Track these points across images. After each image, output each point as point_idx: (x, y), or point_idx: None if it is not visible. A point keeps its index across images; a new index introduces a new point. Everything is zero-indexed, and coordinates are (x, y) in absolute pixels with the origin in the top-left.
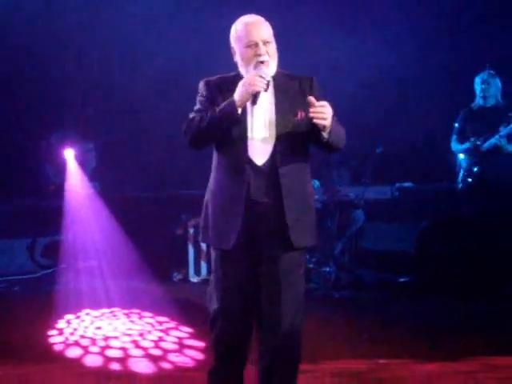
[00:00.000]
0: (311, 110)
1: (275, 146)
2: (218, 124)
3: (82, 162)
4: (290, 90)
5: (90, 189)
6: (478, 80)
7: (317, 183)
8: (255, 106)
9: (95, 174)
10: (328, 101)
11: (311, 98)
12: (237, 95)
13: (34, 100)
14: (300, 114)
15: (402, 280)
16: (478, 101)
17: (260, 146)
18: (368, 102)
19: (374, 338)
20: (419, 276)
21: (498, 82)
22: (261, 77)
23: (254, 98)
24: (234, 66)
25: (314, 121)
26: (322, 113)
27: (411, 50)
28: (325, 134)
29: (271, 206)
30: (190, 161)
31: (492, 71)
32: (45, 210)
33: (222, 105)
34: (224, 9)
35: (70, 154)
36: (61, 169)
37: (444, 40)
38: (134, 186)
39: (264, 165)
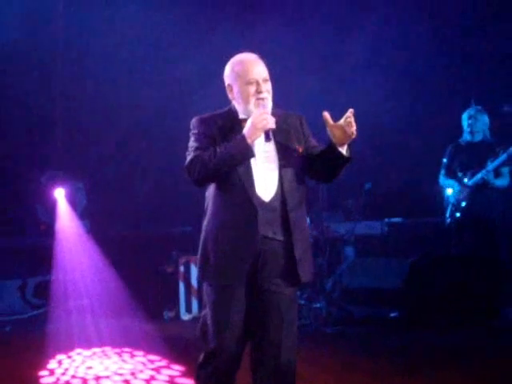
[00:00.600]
0: (348, 115)
1: (280, 181)
2: (231, 162)
3: (72, 201)
4: (285, 126)
5: (81, 228)
6: (465, 115)
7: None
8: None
9: (85, 212)
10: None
11: (326, 114)
12: (248, 133)
13: (23, 140)
14: (299, 149)
15: (392, 315)
16: (466, 136)
17: (265, 181)
18: (356, 138)
19: (364, 372)
20: (409, 311)
21: (485, 118)
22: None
23: (267, 134)
24: (225, 102)
25: (348, 129)
26: (353, 120)
27: (400, 86)
28: (344, 151)
29: (280, 241)
30: (180, 198)
31: (479, 107)
32: (35, 249)
33: (232, 143)
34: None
35: (60, 194)
36: (51, 208)
37: (433, 73)
38: (124, 224)
39: (272, 200)
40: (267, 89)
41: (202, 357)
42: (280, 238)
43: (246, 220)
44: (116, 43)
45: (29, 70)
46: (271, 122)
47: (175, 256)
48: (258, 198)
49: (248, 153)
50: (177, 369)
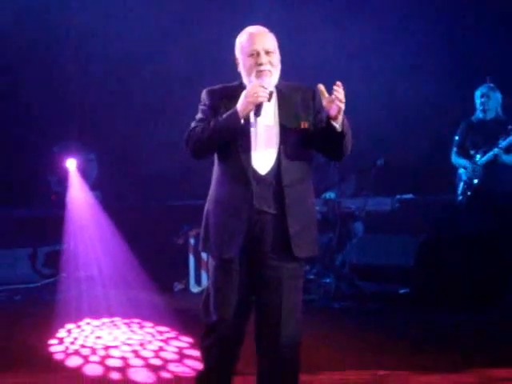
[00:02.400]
0: (335, 88)
1: (278, 156)
2: (221, 134)
3: (84, 172)
4: (293, 101)
5: (92, 198)
6: (477, 93)
7: (332, 195)
8: (258, 117)
9: (97, 183)
10: None
11: (321, 86)
12: (239, 106)
13: (36, 110)
14: (303, 124)
15: (401, 291)
16: (478, 114)
17: (263, 156)
18: (369, 114)
19: (373, 349)
20: (419, 288)
21: (498, 96)
22: (263, 87)
23: (257, 108)
24: (238, 76)
25: (335, 102)
26: (340, 93)
27: (415, 63)
28: (337, 125)
29: (274, 216)
30: (192, 171)
31: (492, 84)
32: (46, 219)
33: (225, 115)
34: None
35: (71, 164)
36: (62, 179)
37: (445, 51)
38: (135, 195)
39: (267, 174)
40: (269, 60)
41: (204, 329)
42: (274, 211)
43: (240, 193)
44: (129, 19)
45: (43, 43)
46: (263, 96)
47: (186, 228)
48: (254, 172)
49: (237, 126)
50: (185, 340)
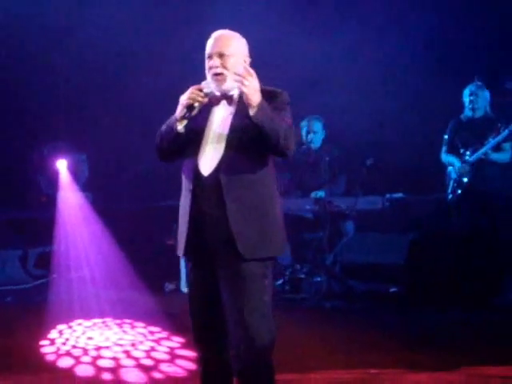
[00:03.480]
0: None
1: (222, 158)
2: (165, 137)
3: (75, 173)
4: (237, 109)
5: (83, 199)
6: (466, 92)
7: (322, 194)
8: (212, 119)
9: (87, 184)
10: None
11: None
12: (177, 109)
13: (26, 111)
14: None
15: (392, 290)
16: (467, 112)
17: (209, 157)
18: (359, 114)
19: (364, 347)
20: (409, 286)
21: (486, 94)
22: (200, 90)
23: (188, 110)
24: None
25: (239, 87)
26: (245, 79)
27: (404, 62)
28: (251, 111)
29: (216, 217)
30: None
31: (480, 83)
32: (37, 220)
33: (169, 119)
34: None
35: (62, 165)
36: (53, 180)
37: (433, 50)
38: (125, 196)
39: (209, 175)
40: (222, 63)
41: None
42: (215, 212)
43: (187, 194)
44: (120, 16)
45: (32, 43)
46: (192, 98)
47: (176, 229)
48: (199, 173)
49: (173, 128)
50: (177, 340)
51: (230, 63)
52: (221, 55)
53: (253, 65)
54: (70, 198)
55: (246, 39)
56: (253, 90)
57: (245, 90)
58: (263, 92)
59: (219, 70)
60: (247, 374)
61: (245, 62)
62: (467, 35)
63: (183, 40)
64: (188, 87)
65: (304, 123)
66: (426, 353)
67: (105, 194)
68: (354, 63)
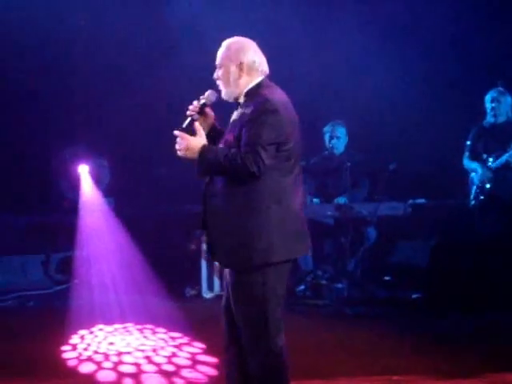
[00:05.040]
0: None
1: None
2: None
3: (96, 178)
4: (239, 116)
5: (105, 204)
6: (488, 98)
7: (344, 200)
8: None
9: (109, 189)
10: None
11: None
12: None
13: (48, 115)
14: (229, 139)
15: (414, 296)
16: (489, 118)
17: None
18: (382, 118)
19: (385, 353)
20: (431, 292)
21: (508, 99)
22: (198, 101)
23: (189, 123)
24: None
25: None
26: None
27: (427, 69)
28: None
29: (205, 226)
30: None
31: (502, 89)
32: (59, 225)
33: None
34: None
35: (84, 170)
36: (74, 184)
37: (455, 56)
38: (148, 201)
39: (205, 184)
40: (217, 74)
41: None
42: (205, 221)
43: None
44: (136, 18)
45: (51, 47)
46: (190, 110)
47: (198, 234)
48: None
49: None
50: (198, 346)
51: (221, 74)
52: (217, 66)
53: (271, 71)
54: (92, 203)
55: (262, 43)
56: (183, 153)
57: (179, 153)
58: (248, 103)
59: (217, 82)
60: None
61: (240, 66)
62: (490, 40)
63: (207, 42)
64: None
65: (327, 128)
66: (448, 359)
67: (126, 199)
68: (376, 67)
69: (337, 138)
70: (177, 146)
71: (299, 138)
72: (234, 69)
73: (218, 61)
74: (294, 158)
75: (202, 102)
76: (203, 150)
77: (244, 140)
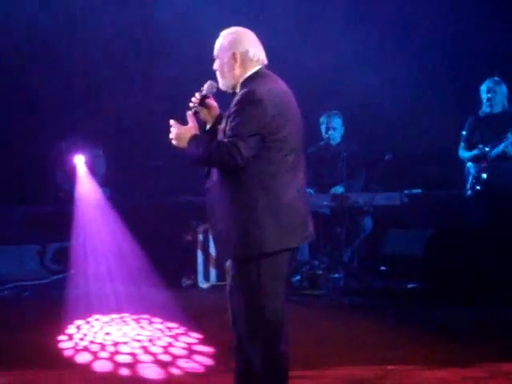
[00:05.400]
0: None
1: None
2: None
3: (92, 168)
4: (231, 106)
5: (100, 194)
6: (483, 88)
7: (341, 190)
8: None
9: (105, 179)
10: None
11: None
12: None
13: (44, 106)
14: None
15: (410, 286)
16: (485, 108)
17: None
18: (377, 110)
19: (382, 344)
20: (427, 282)
21: (503, 89)
22: (200, 92)
23: (194, 114)
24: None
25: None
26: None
27: (422, 60)
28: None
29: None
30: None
31: (498, 78)
32: (55, 215)
33: None
34: None
35: (80, 160)
36: (70, 175)
37: (451, 45)
38: (143, 191)
39: (204, 176)
40: (216, 65)
41: None
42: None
43: None
44: (136, 14)
45: (51, 40)
46: (193, 102)
47: (194, 225)
48: None
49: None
50: (194, 336)
51: (218, 64)
52: (214, 57)
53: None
54: (88, 194)
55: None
56: (175, 141)
57: (173, 142)
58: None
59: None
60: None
61: (233, 56)
62: (487, 31)
63: (204, 35)
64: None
65: (323, 119)
66: (444, 349)
67: (122, 189)
68: (374, 60)
69: (333, 129)
70: (170, 135)
71: (297, 130)
72: (228, 59)
73: (214, 51)
74: (287, 149)
75: (203, 93)
76: (190, 140)
77: (227, 132)
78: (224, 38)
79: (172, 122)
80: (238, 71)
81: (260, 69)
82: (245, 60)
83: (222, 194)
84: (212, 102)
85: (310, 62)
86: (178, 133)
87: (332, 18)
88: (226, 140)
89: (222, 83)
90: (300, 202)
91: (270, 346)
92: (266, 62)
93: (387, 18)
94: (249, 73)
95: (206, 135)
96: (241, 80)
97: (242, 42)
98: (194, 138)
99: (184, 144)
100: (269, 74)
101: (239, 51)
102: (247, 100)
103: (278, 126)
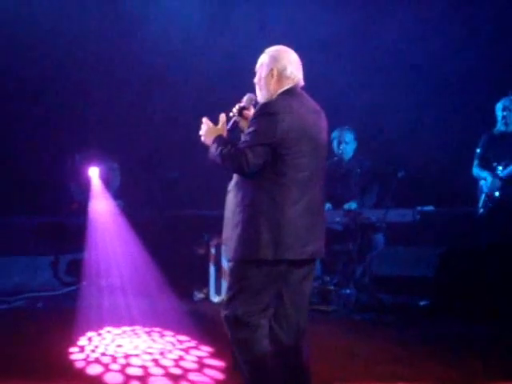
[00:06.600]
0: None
1: None
2: None
3: (106, 181)
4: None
5: (114, 207)
6: (499, 106)
7: (353, 206)
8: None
9: (119, 192)
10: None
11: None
12: None
13: (59, 118)
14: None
15: (422, 303)
16: (500, 126)
17: None
18: (391, 127)
19: (393, 360)
20: (439, 300)
21: None
22: (239, 103)
23: (232, 123)
24: None
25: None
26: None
27: (437, 75)
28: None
29: None
30: (214, 180)
31: None
32: (68, 227)
33: None
34: None
35: (94, 173)
36: (84, 187)
37: (465, 63)
38: (157, 205)
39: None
40: (256, 79)
41: None
42: None
43: None
44: (150, 22)
45: (67, 52)
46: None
47: (206, 238)
48: None
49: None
50: (205, 350)
51: (257, 78)
52: (256, 71)
53: None
54: (102, 206)
55: None
56: (203, 138)
57: (202, 138)
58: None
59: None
60: None
61: (271, 72)
62: (500, 49)
63: (216, 47)
64: (224, 92)
65: (335, 134)
66: (456, 367)
67: (136, 202)
68: (385, 74)
69: (345, 143)
70: (200, 132)
71: (314, 149)
72: (266, 74)
73: (257, 66)
74: (300, 165)
75: (242, 105)
76: (214, 139)
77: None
78: (266, 54)
79: (204, 119)
80: (273, 86)
81: (292, 87)
82: (281, 76)
83: (235, 197)
84: (249, 113)
85: (323, 76)
86: (207, 130)
87: (349, 33)
88: (238, 146)
89: (260, 96)
90: (306, 219)
91: (246, 348)
92: (302, 82)
93: (401, 30)
94: (283, 88)
95: (231, 139)
96: (275, 94)
97: (281, 59)
98: (218, 138)
99: (209, 142)
100: (300, 93)
101: (277, 68)
102: (262, 111)
103: (291, 140)
